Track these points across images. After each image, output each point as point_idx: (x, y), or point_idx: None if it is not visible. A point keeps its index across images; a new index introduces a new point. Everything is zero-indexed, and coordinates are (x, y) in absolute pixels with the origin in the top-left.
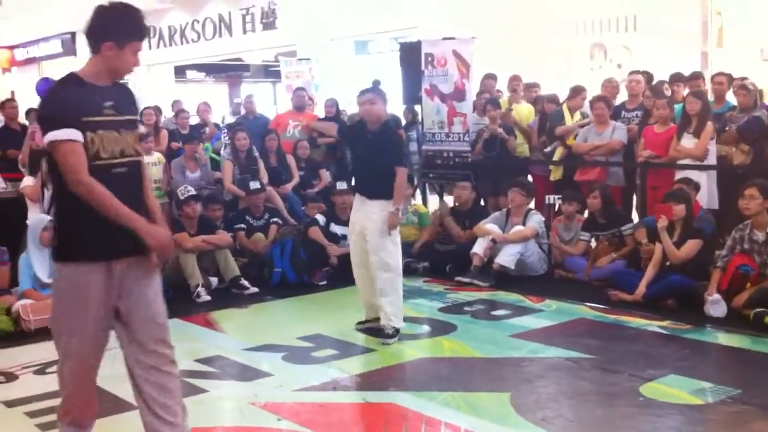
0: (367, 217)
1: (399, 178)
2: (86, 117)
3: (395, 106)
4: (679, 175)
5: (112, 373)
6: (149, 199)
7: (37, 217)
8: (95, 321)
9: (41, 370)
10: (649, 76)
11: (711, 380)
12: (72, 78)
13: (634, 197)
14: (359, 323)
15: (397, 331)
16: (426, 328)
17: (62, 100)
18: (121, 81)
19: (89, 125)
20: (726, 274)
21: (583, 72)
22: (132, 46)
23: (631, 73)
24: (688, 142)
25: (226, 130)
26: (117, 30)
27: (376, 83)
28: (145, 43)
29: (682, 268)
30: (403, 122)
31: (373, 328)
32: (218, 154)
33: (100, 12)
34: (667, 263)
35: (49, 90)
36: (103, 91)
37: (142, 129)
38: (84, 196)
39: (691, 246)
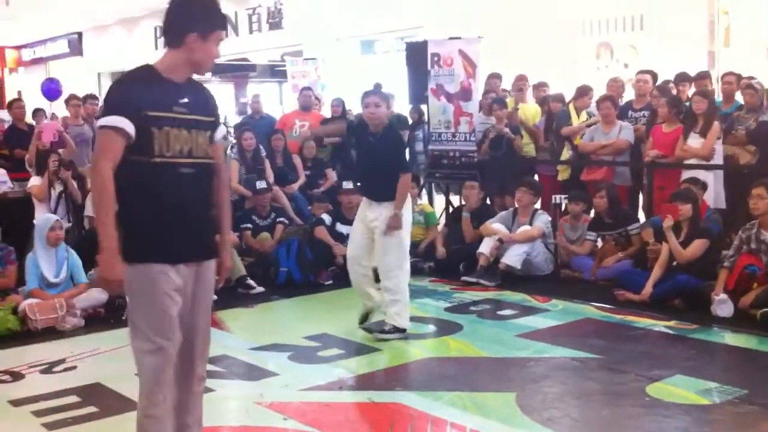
0: (379, 218)
1: (401, 184)
2: (153, 111)
3: (402, 106)
4: (686, 174)
5: (117, 373)
6: (220, 209)
7: (44, 217)
8: None
9: (47, 369)
10: (653, 76)
11: (717, 380)
12: (146, 70)
13: (641, 197)
14: (361, 322)
15: (396, 329)
16: (432, 327)
17: (126, 90)
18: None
19: (155, 120)
20: (733, 274)
21: (590, 71)
22: (216, 36)
23: (639, 72)
24: (694, 141)
25: (232, 130)
26: (201, 20)
27: (378, 86)
28: (151, 44)
29: (689, 267)
30: (410, 122)
31: (372, 325)
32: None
33: (179, 2)
34: (674, 263)
35: (116, 81)
36: (179, 88)
37: (221, 132)
38: (91, 182)
39: (698, 246)
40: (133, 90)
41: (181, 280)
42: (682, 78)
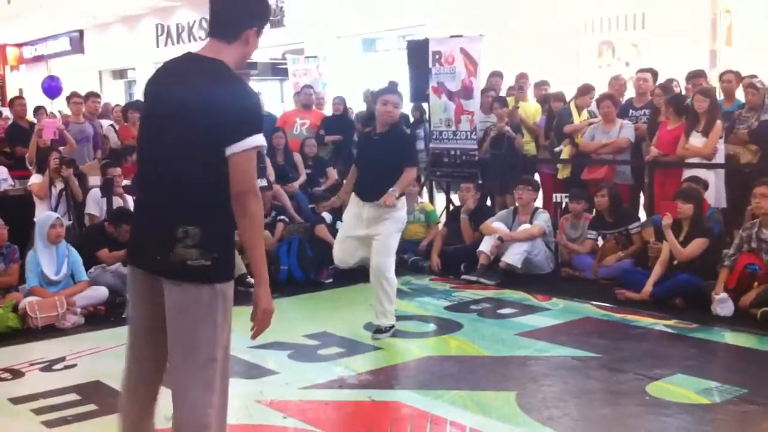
0: (379, 220)
1: (406, 176)
2: None
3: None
4: (687, 173)
5: (117, 371)
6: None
7: (45, 214)
8: None
9: (47, 367)
10: (653, 74)
11: (718, 380)
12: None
13: (642, 195)
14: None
15: (389, 328)
16: (432, 326)
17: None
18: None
19: None
20: (733, 273)
21: (592, 70)
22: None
23: (639, 71)
24: (696, 140)
25: None
26: (260, 14)
27: (394, 85)
28: (152, 41)
29: (690, 267)
30: (411, 120)
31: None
32: None
33: None
34: (675, 262)
35: (246, 88)
36: None
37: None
38: (249, 211)
39: (697, 245)
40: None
41: None
42: (693, 75)
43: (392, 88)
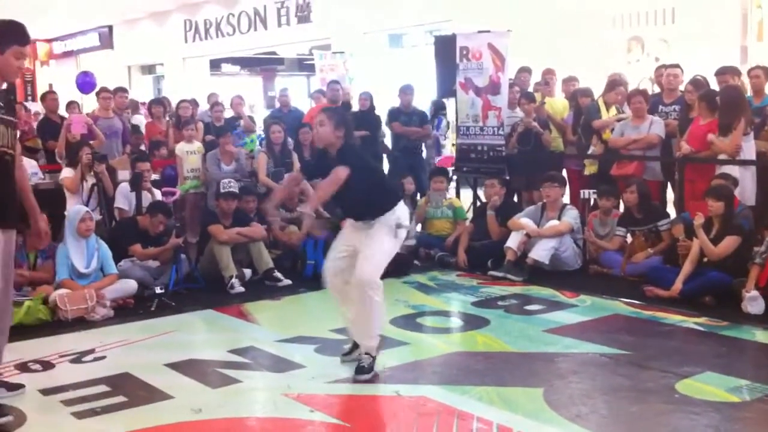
0: (365, 235)
1: (330, 177)
2: None
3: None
4: (719, 170)
5: (146, 363)
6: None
7: (75, 208)
8: None
9: (77, 359)
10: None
11: (748, 378)
12: None
13: (670, 192)
14: (344, 355)
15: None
16: (459, 322)
17: None
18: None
19: None
20: (764, 271)
21: (620, 65)
22: (13, 51)
23: (669, 66)
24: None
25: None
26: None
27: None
28: (181, 37)
29: (720, 264)
30: (428, 116)
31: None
32: None
33: None
34: (704, 259)
35: None
36: None
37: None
38: None
39: (729, 243)
40: None
41: None
42: (721, 71)
43: (325, 107)
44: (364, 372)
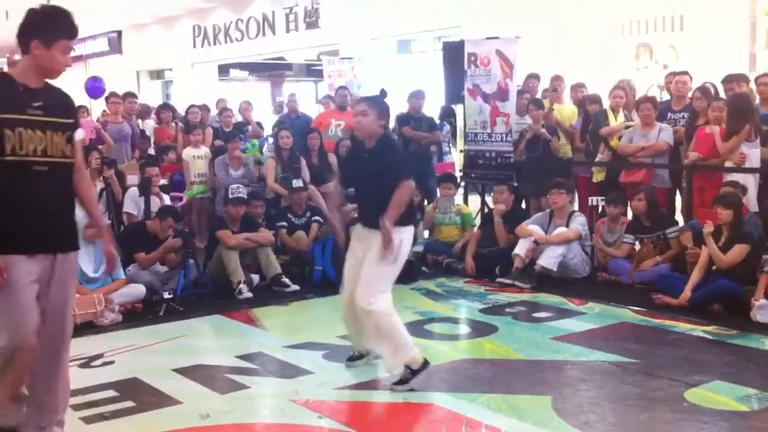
0: (371, 246)
1: (400, 192)
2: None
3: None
4: (727, 177)
5: (155, 368)
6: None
7: (83, 213)
8: None
9: (86, 363)
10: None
11: (757, 387)
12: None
13: (678, 199)
14: (350, 359)
15: (412, 371)
16: (466, 329)
17: None
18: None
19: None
20: None
21: (629, 72)
22: (59, 45)
23: (677, 74)
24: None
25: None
26: (44, 28)
27: (383, 93)
28: (189, 42)
29: (729, 272)
30: (437, 122)
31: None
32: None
33: (30, 12)
34: (713, 267)
35: None
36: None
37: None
38: None
39: (738, 251)
40: None
41: (38, 269)
42: (729, 79)
43: (366, 96)
44: (401, 383)
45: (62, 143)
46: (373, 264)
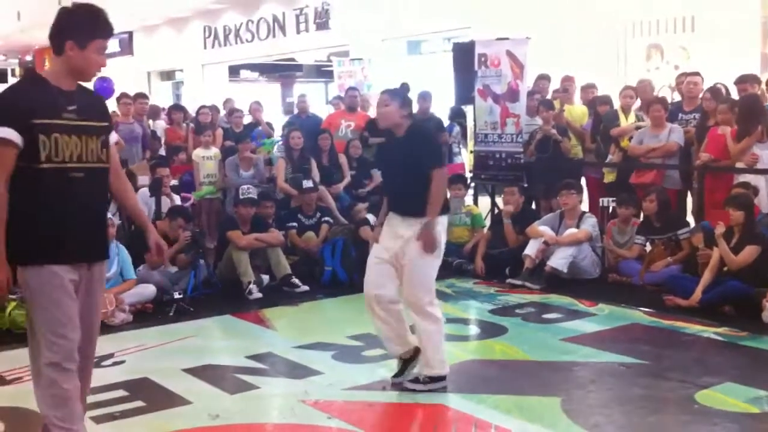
0: (404, 241)
1: (435, 183)
2: (40, 119)
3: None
4: (738, 178)
5: (165, 368)
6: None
7: None
8: None
9: (96, 363)
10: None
11: None
12: (32, 78)
13: (689, 200)
14: (395, 376)
15: (432, 379)
16: (476, 330)
17: (11, 100)
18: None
19: (43, 127)
20: None
21: (639, 73)
22: (95, 45)
23: (689, 74)
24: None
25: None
26: (78, 28)
27: (405, 87)
28: (200, 43)
29: (740, 273)
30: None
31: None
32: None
33: (63, 11)
34: (725, 268)
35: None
36: (67, 95)
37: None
38: None
39: (750, 252)
40: (18, 99)
41: (77, 278)
42: (741, 80)
43: (387, 89)
44: (416, 382)
45: (97, 148)
46: (416, 262)
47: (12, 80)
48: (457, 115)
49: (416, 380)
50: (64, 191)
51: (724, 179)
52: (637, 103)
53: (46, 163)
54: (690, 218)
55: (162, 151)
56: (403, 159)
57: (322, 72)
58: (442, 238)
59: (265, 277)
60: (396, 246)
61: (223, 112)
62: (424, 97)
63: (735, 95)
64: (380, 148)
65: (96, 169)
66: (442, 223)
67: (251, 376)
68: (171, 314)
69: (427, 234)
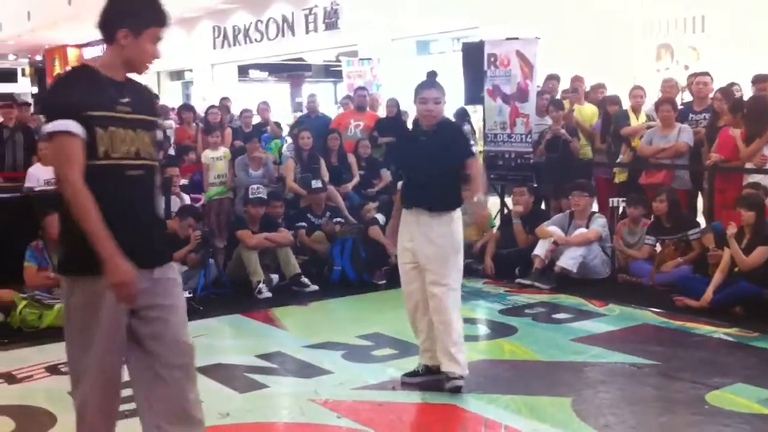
0: (428, 240)
1: (476, 168)
2: (95, 111)
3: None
4: (748, 179)
5: None
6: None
7: None
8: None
9: None
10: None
11: None
12: (83, 68)
13: (700, 200)
14: (408, 374)
15: (462, 376)
16: (485, 330)
17: (65, 91)
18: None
19: (99, 120)
20: None
21: (649, 73)
22: (150, 33)
23: (699, 74)
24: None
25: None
26: (132, 15)
27: (432, 74)
28: (209, 43)
29: (751, 274)
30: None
31: (431, 381)
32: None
33: None
34: (735, 269)
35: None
36: (120, 86)
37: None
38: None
39: (761, 253)
40: (71, 90)
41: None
42: (758, 79)
43: (429, 81)
44: (454, 379)
45: (150, 143)
46: (440, 258)
47: (22, 80)
48: (462, 117)
49: (449, 378)
50: (122, 191)
51: (734, 179)
52: (649, 103)
53: (104, 159)
54: (700, 218)
55: (171, 151)
56: (435, 153)
57: (331, 72)
58: (460, 232)
59: (275, 277)
60: (421, 249)
61: (235, 112)
62: None
63: (748, 95)
64: (398, 145)
65: (153, 167)
66: (458, 215)
67: (261, 376)
68: None
69: (479, 206)
